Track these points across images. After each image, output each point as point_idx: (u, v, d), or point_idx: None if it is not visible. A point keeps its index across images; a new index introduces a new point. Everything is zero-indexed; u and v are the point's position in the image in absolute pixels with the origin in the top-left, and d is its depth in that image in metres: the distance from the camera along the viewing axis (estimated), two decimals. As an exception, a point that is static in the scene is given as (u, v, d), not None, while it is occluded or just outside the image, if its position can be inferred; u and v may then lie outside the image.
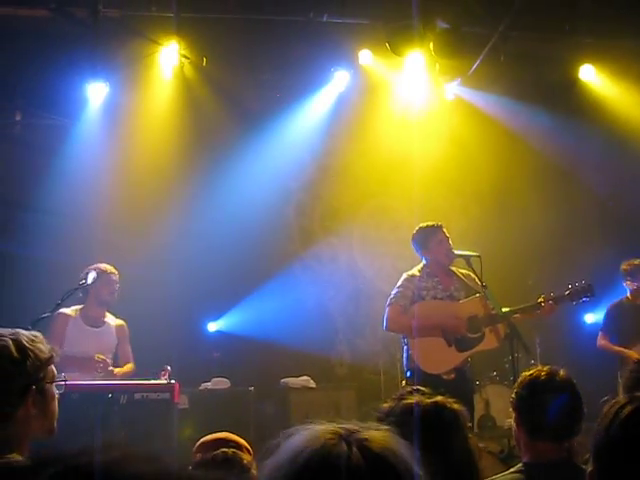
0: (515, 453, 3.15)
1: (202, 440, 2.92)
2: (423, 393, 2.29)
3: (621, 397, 1.74)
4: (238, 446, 2.77)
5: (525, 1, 7.60)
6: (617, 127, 8.75)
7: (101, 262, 6.28)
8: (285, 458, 1.14)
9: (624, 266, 7.08)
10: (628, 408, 1.66)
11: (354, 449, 1.12)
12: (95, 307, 6.19)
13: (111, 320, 6.27)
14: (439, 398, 2.25)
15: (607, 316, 7.16)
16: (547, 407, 2.86)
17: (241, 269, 7.87)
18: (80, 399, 4.96)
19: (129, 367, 6.20)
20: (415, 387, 2.34)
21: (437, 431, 2.11)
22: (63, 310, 6.02)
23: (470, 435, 2.22)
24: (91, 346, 6.00)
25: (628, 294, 7.12)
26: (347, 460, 1.10)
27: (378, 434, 1.18)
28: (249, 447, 2.83)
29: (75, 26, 7.29)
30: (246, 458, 2.69)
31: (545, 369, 2.98)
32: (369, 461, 1.11)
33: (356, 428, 1.19)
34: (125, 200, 7.73)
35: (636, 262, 7.05)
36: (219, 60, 8.07)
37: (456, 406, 2.24)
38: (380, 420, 2.15)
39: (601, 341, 7.14)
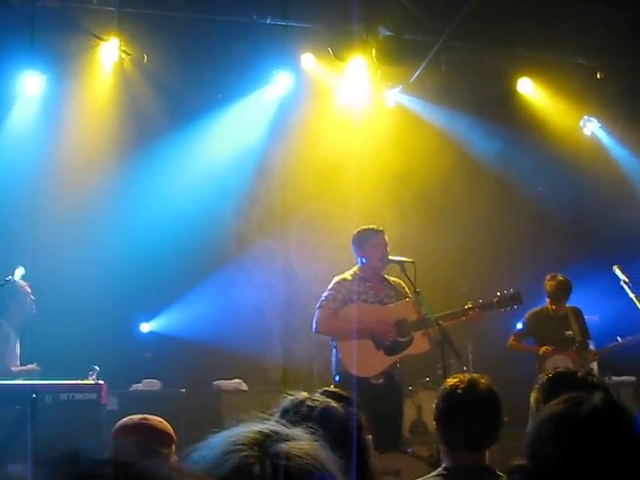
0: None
1: (121, 423, 2.82)
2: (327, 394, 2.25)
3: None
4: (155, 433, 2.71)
5: (467, 12, 7.71)
6: (551, 139, 8.96)
7: (34, 260, 6.16)
8: (201, 470, 1.09)
9: (546, 282, 7.16)
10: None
11: (268, 469, 1.06)
12: None
13: None
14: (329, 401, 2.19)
15: (526, 323, 7.24)
16: (464, 422, 2.88)
17: (176, 269, 7.78)
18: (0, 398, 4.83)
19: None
20: (325, 390, 2.30)
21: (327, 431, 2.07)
22: None
23: (365, 437, 2.16)
24: None
25: (547, 303, 7.23)
26: (258, 473, 1.05)
27: (300, 446, 1.11)
28: (169, 432, 2.77)
29: (10, 14, 7.10)
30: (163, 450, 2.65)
31: (465, 381, 2.96)
32: (278, 476, 1.05)
33: (278, 436, 1.12)
34: (58, 195, 7.57)
35: (559, 279, 7.09)
36: (160, 58, 7.98)
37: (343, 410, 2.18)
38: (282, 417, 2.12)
39: (512, 342, 7.24)
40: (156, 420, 2.74)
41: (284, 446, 1.10)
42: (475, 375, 3.06)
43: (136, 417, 2.77)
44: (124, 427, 2.73)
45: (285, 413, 2.11)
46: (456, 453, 2.90)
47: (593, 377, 2.93)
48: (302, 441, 1.13)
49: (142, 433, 2.62)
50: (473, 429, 2.89)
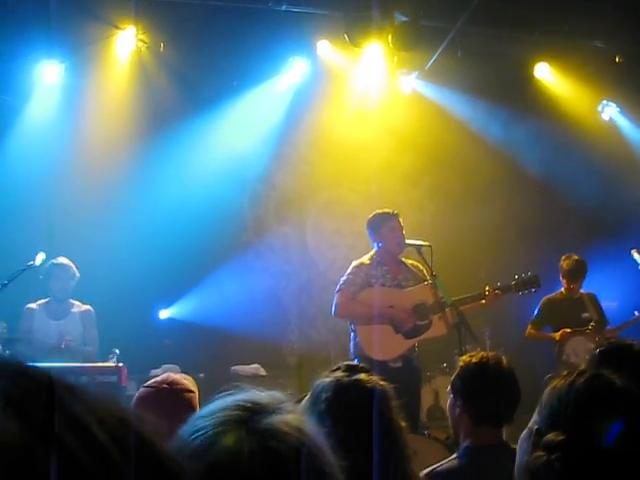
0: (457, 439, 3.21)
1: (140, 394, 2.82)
2: (351, 369, 2.22)
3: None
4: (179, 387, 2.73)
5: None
6: (569, 124, 8.91)
7: (53, 247, 6.27)
8: (186, 440, 1.07)
9: (562, 262, 7.12)
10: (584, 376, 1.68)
11: (252, 442, 1.03)
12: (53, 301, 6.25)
13: (76, 308, 6.25)
14: (362, 376, 2.17)
15: (541, 309, 7.22)
16: (493, 395, 2.92)
17: (194, 257, 7.82)
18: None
19: (91, 349, 6.23)
20: (346, 363, 2.28)
21: (350, 409, 2.05)
22: (29, 305, 6.21)
23: (393, 417, 2.13)
24: (55, 338, 6.01)
25: (563, 289, 7.20)
26: (240, 455, 1.03)
27: (287, 421, 1.08)
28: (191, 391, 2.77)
29: (29, 3, 7.16)
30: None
31: (490, 355, 3.02)
32: (264, 457, 1.03)
33: (266, 408, 1.09)
34: (77, 184, 7.62)
35: (574, 258, 7.06)
36: (176, 46, 8.02)
37: (374, 385, 2.15)
38: (313, 397, 2.12)
39: (530, 330, 7.22)
40: (177, 381, 2.72)
41: (270, 419, 1.08)
42: (496, 353, 3.10)
43: (157, 380, 2.76)
44: (143, 397, 2.73)
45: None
46: (480, 429, 2.92)
47: None
48: (290, 416, 1.10)
49: (163, 400, 2.62)
50: (500, 402, 2.93)
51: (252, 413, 1.08)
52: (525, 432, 1.73)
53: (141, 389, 2.73)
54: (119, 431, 0.62)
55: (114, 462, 0.60)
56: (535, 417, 1.70)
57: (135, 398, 2.72)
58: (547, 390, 1.69)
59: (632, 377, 1.65)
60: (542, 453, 1.59)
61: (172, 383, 2.69)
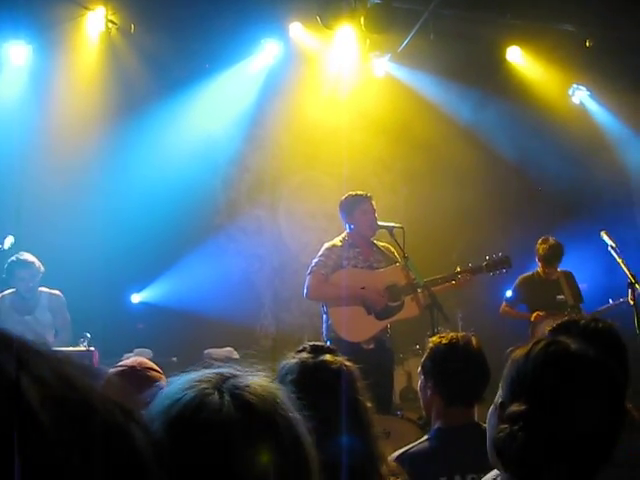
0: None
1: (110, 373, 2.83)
2: (316, 350, 2.21)
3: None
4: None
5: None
6: (540, 107, 8.96)
7: (21, 230, 6.14)
8: (159, 408, 1.09)
9: (538, 246, 7.18)
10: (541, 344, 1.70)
11: (226, 398, 1.07)
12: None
13: (44, 298, 6.13)
14: (327, 357, 2.16)
15: (517, 289, 7.30)
16: (464, 375, 2.93)
17: (166, 240, 7.77)
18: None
19: (63, 337, 6.12)
20: (312, 344, 2.26)
21: (315, 390, 2.00)
22: None
23: (359, 397, 2.13)
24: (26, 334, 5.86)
25: (539, 269, 7.29)
26: (218, 412, 1.06)
27: (254, 380, 1.13)
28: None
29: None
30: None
31: (459, 336, 3.02)
32: (241, 411, 1.07)
33: (235, 374, 1.14)
34: (46, 166, 7.52)
35: (550, 243, 7.13)
36: (147, 27, 7.93)
37: (339, 366, 2.15)
38: (279, 378, 2.12)
39: (505, 308, 7.30)
40: (145, 367, 2.75)
41: (239, 379, 1.12)
42: (465, 334, 3.11)
43: (125, 364, 2.78)
44: (113, 376, 2.74)
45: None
46: (452, 409, 2.93)
47: (598, 322, 2.65)
48: (256, 377, 1.15)
49: (132, 381, 2.63)
50: (470, 383, 2.95)
51: (221, 377, 1.12)
52: (491, 408, 1.75)
53: (110, 370, 2.74)
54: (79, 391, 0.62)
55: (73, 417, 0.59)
56: (499, 391, 1.72)
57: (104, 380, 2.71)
58: (507, 363, 1.71)
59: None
60: (505, 426, 1.61)
61: (141, 364, 2.74)
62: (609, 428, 1.60)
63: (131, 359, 2.84)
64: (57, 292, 6.25)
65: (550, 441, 1.57)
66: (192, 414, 1.07)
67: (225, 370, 1.16)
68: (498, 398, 1.71)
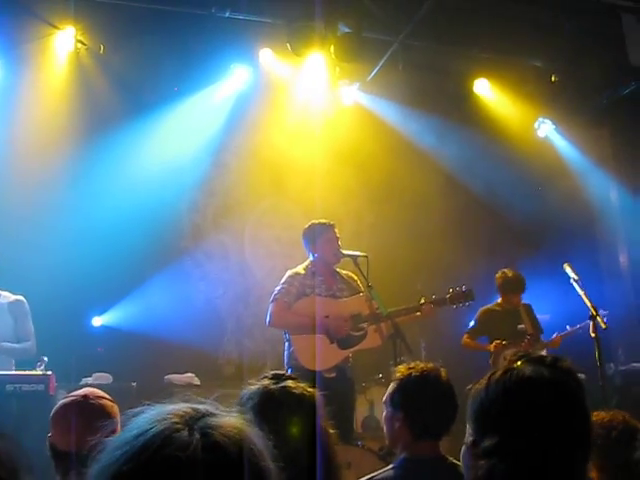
0: (393, 450, 3.18)
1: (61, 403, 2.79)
2: (278, 377, 2.21)
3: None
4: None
5: (427, 12, 7.76)
6: (506, 139, 9.08)
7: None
8: (125, 438, 1.06)
9: (497, 277, 7.34)
10: (498, 373, 1.70)
11: (196, 436, 1.04)
12: None
13: (4, 300, 5.95)
14: (289, 383, 2.16)
15: (478, 319, 7.37)
16: (433, 408, 2.90)
17: (129, 263, 7.66)
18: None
19: (27, 345, 5.91)
20: (273, 372, 2.26)
21: (277, 416, 2.02)
22: None
23: (322, 424, 2.10)
24: None
25: (499, 300, 7.38)
26: (185, 449, 1.02)
27: (230, 422, 1.09)
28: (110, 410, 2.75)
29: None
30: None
31: (429, 368, 2.98)
32: (209, 452, 1.03)
33: (209, 411, 1.11)
34: (12, 183, 7.42)
35: (507, 274, 7.27)
36: (117, 49, 7.89)
37: (301, 391, 2.15)
38: (240, 405, 2.09)
39: (466, 340, 7.35)
40: (97, 397, 2.72)
41: (214, 419, 1.09)
42: (435, 365, 3.07)
43: (77, 394, 2.74)
44: (65, 406, 2.70)
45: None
46: (420, 442, 2.89)
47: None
48: (232, 418, 1.11)
49: (84, 411, 2.60)
50: (441, 417, 2.92)
51: (195, 413, 1.09)
52: (463, 448, 1.74)
53: (61, 401, 2.72)
54: None
55: None
56: (467, 430, 1.71)
57: (56, 406, 2.69)
58: (469, 401, 1.71)
59: None
60: (483, 462, 1.60)
61: (93, 393, 2.74)
62: (580, 441, 1.60)
63: (83, 389, 2.81)
64: (19, 297, 6.03)
65: (530, 465, 1.56)
66: (157, 448, 1.03)
67: (203, 406, 1.12)
68: (468, 437, 1.70)
